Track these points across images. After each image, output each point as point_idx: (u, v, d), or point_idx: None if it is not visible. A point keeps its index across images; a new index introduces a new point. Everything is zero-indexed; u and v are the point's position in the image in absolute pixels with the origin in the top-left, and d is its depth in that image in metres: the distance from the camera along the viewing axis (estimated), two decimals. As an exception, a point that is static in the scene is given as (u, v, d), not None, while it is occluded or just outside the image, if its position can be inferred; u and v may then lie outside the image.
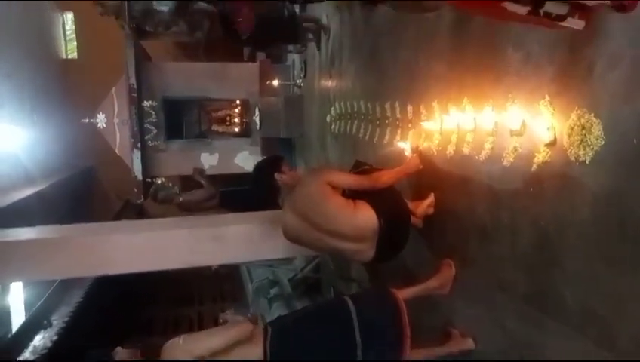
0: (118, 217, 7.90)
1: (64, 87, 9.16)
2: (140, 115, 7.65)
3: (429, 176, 2.99)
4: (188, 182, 7.34)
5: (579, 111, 1.79)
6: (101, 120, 7.70)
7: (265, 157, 5.78)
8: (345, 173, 2.76)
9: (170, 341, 2.37)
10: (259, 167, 3.66)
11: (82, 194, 8.92)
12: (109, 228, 4.08)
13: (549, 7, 1.24)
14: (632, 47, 1.57)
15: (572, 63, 1.82)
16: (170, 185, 6.94)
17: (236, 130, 9.28)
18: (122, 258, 3.62)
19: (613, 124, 1.65)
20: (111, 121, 7.69)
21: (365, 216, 2.53)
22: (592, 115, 1.73)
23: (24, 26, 7.87)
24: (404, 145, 3.23)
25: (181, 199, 5.78)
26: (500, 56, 2.23)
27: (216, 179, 6.62)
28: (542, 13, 1.27)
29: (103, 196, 9.72)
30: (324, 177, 2.58)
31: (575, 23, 1.28)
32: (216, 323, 2.80)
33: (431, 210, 2.94)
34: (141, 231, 3.86)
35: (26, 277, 4.19)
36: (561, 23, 1.29)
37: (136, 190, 7.67)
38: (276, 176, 2.79)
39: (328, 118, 5.53)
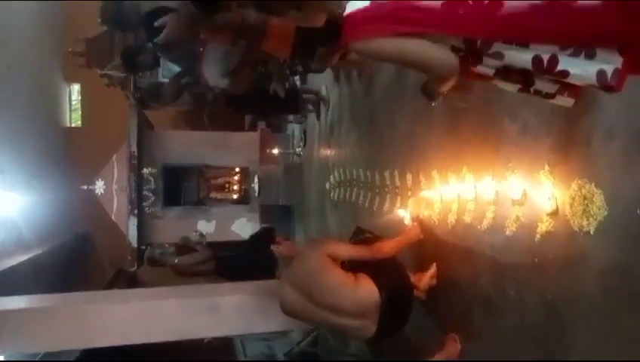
0: (109, 286, 7.70)
1: (66, 155, 9.28)
2: (139, 182, 7.70)
3: (430, 245, 2.95)
4: (183, 248, 7.22)
5: (579, 182, 1.79)
6: (100, 186, 7.73)
7: (257, 230, 5.76)
8: (345, 243, 2.73)
9: None
10: (254, 238, 3.59)
11: (76, 261, 8.74)
12: (100, 298, 3.97)
13: (539, 85, 1.28)
14: (628, 120, 1.60)
15: (570, 135, 1.86)
16: (167, 245, 6.81)
17: (235, 197, 9.31)
18: (113, 329, 3.48)
19: (615, 194, 1.65)
20: (109, 187, 7.72)
21: (366, 291, 2.48)
22: (593, 185, 1.73)
23: (32, 95, 8.11)
24: (405, 214, 3.22)
25: (176, 261, 5.66)
26: (498, 127, 2.28)
27: (212, 246, 6.51)
28: (532, 91, 1.30)
29: (96, 263, 9.52)
30: (323, 249, 2.55)
31: (564, 101, 1.32)
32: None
33: (434, 281, 2.87)
34: (133, 300, 3.75)
35: (15, 349, 3.99)
36: (551, 101, 1.32)
37: (130, 257, 7.54)
38: (272, 247, 2.73)
39: (327, 186, 5.56)
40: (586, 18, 1.13)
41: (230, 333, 4.35)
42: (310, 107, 6.30)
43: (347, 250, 2.63)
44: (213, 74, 2.99)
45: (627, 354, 1.58)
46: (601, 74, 1.17)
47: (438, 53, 1.23)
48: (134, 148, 7.53)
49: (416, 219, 3.07)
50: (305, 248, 2.70)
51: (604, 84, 1.18)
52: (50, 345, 3.75)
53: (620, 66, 1.17)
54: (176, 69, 6.92)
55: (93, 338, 3.50)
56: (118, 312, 3.55)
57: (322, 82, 5.94)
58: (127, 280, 7.90)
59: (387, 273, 2.59)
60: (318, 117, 6.29)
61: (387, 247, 2.68)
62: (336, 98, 5.48)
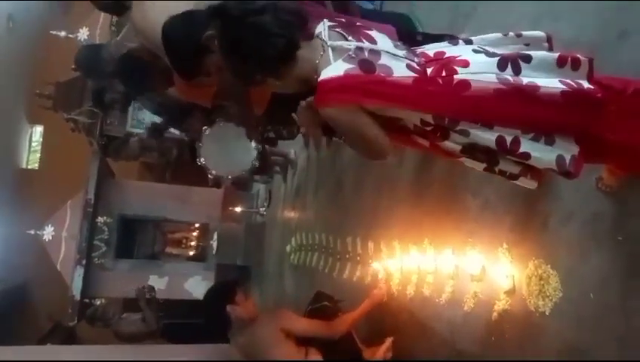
0: (43, 341, 7.09)
1: (17, 197, 8.84)
2: (91, 231, 7.36)
3: (388, 316, 2.89)
4: (131, 304, 6.82)
5: (536, 262, 1.83)
6: (48, 232, 7.33)
7: (219, 281, 5.49)
8: (302, 320, 2.71)
9: None
10: (211, 295, 3.38)
11: (9, 311, 8.07)
12: (30, 354, 3.63)
13: (503, 166, 1.33)
14: (584, 205, 1.67)
15: (528, 215, 1.92)
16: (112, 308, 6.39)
17: (191, 253, 9.00)
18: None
19: (571, 277, 1.69)
20: (59, 234, 7.33)
21: None
22: (549, 266, 1.77)
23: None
24: (379, 267, 3.16)
25: (120, 328, 5.29)
26: (460, 202, 2.33)
27: (161, 306, 6.16)
28: (497, 171, 1.35)
29: (32, 315, 8.82)
30: (279, 323, 2.53)
31: (528, 183, 1.37)
32: None
33: (389, 355, 2.79)
34: (67, 358, 3.45)
35: None
36: (515, 182, 1.37)
37: (70, 310, 7.02)
38: (228, 308, 2.59)
39: (288, 248, 5.48)
40: (545, 106, 1.21)
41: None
42: (278, 169, 6.34)
43: (303, 327, 2.60)
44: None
45: None
46: (560, 159, 1.23)
47: (381, 141, 1.29)
48: (91, 196, 7.27)
49: (385, 281, 3.04)
50: (262, 316, 2.64)
51: (563, 170, 1.23)
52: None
53: (576, 154, 1.24)
54: (146, 119, 6.89)
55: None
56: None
57: (292, 146, 6.02)
58: (64, 336, 7.31)
59: (338, 351, 2.57)
60: (285, 179, 6.32)
61: (345, 325, 2.66)
62: (304, 162, 5.55)
